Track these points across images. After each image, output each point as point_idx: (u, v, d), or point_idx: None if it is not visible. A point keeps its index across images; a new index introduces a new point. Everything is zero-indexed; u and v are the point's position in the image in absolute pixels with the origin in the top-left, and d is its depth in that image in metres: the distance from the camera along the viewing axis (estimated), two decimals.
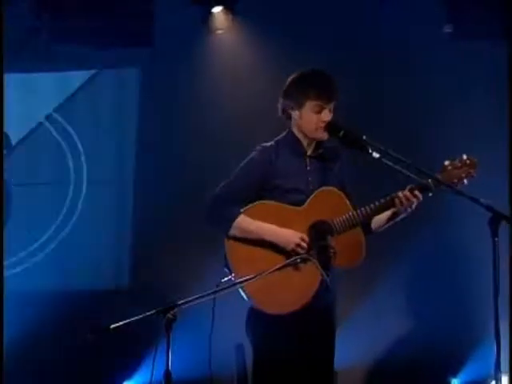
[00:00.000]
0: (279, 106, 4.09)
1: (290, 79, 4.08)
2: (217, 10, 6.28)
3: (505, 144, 5.82)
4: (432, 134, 6.09)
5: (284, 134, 4.12)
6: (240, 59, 6.43)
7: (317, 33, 6.22)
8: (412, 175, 3.72)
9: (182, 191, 6.28)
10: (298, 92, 4.01)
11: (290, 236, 3.90)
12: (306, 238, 3.91)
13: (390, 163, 3.68)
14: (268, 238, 3.92)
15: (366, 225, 4.04)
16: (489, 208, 3.35)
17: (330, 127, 3.97)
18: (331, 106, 3.99)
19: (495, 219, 3.30)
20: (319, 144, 4.08)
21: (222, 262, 3.97)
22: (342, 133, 3.91)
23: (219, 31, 6.35)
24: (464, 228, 5.80)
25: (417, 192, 3.89)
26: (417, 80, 6.22)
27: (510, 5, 5.80)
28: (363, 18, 6.20)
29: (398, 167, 3.67)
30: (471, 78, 6.14)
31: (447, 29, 6.16)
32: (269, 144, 4.10)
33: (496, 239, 3.28)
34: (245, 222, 3.94)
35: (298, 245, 3.89)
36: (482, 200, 3.41)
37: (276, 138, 4.12)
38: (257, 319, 4.00)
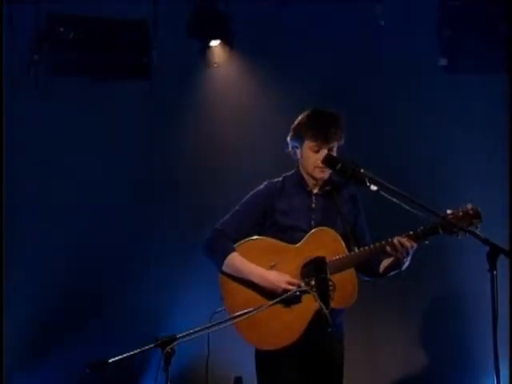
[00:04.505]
0: (288, 142, 4.13)
1: (297, 119, 4.12)
2: (214, 43, 6.31)
3: (504, 176, 5.84)
4: (429, 167, 6.12)
5: (292, 171, 4.16)
6: (237, 93, 6.46)
7: (313, 67, 6.26)
8: (410, 208, 3.72)
9: (180, 225, 6.29)
10: (299, 132, 4.05)
11: (277, 281, 3.89)
12: (292, 280, 3.90)
13: (389, 196, 3.69)
14: (256, 281, 3.93)
15: (371, 267, 4.03)
16: (486, 241, 3.35)
17: (327, 160, 3.99)
18: (331, 146, 4.00)
19: (493, 253, 3.31)
20: (327, 181, 4.09)
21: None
22: (339, 166, 3.93)
23: (216, 65, 6.38)
24: (463, 261, 5.81)
25: (410, 241, 3.87)
26: (413, 112, 6.26)
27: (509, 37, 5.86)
28: (360, 54, 6.25)
29: (395, 200, 3.68)
30: (467, 111, 6.18)
31: (442, 63, 6.21)
32: (276, 180, 4.14)
33: (494, 272, 3.29)
34: (236, 261, 3.96)
35: (287, 286, 3.89)
36: (478, 233, 3.41)
37: (284, 174, 4.16)
38: (260, 354, 4.00)
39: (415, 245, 3.87)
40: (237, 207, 4.09)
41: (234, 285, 3.97)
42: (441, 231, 3.83)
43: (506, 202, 5.79)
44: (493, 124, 6.07)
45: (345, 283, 3.92)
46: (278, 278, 3.89)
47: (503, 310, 3.41)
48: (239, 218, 4.05)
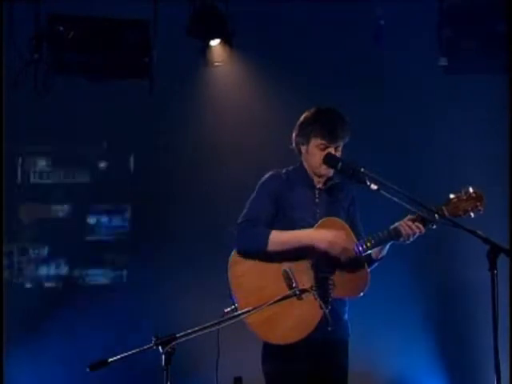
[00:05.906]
0: (293, 139, 4.14)
1: (302, 116, 4.13)
2: (214, 42, 6.32)
3: (504, 176, 5.84)
4: (430, 167, 6.12)
5: (295, 166, 4.17)
6: (237, 92, 6.47)
7: (313, 66, 6.28)
8: (410, 207, 3.72)
9: (180, 224, 6.29)
10: (306, 129, 4.06)
11: (326, 237, 3.89)
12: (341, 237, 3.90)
13: (389, 195, 3.69)
14: (305, 242, 3.92)
15: (367, 255, 4.05)
16: (487, 240, 3.35)
17: (328, 159, 4.00)
18: (337, 145, 4.02)
19: (493, 252, 3.31)
20: (330, 177, 4.11)
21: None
22: (339, 165, 3.95)
23: (217, 64, 6.39)
24: (463, 260, 5.82)
25: (418, 224, 3.88)
26: (413, 113, 6.27)
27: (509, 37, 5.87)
28: (360, 54, 6.26)
29: (396, 199, 3.67)
30: (467, 111, 6.18)
31: (442, 63, 6.21)
32: (280, 171, 4.14)
33: (495, 271, 3.29)
34: (280, 236, 3.96)
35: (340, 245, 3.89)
36: (479, 232, 3.41)
37: (287, 168, 4.17)
38: (267, 351, 4.01)
39: (422, 228, 3.88)
40: (251, 199, 4.08)
41: (246, 279, 3.97)
42: (446, 213, 3.81)
43: (506, 201, 5.79)
44: (493, 124, 6.07)
45: (355, 273, 3.94)
46: (327, 235, 3.88)
47: (503, 309, 3.40)
48: (257, 208, 4.03)
